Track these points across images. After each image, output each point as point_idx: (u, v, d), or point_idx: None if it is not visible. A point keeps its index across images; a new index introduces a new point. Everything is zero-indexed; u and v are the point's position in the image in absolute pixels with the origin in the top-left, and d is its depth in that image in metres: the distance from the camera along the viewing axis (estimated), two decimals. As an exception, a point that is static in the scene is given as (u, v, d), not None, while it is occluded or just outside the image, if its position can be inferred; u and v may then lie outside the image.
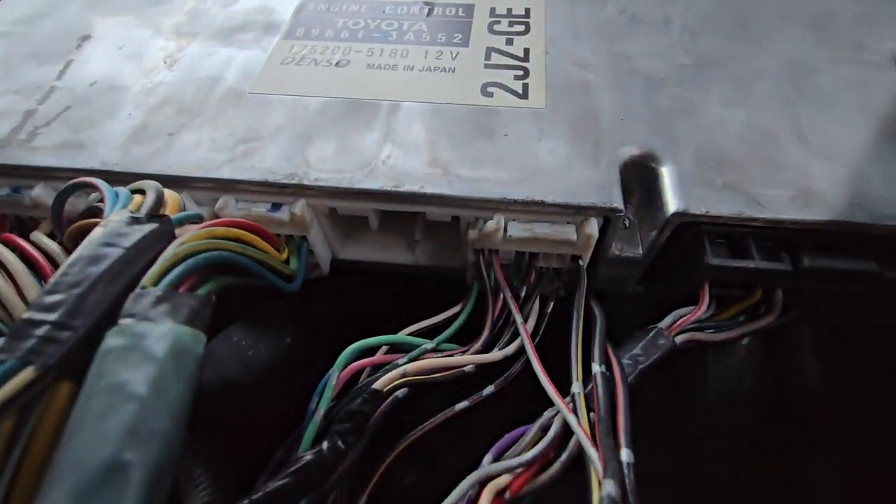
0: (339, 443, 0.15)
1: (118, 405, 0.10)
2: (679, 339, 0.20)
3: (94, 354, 0.11)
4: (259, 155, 0.22)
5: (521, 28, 0.28)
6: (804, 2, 0.29)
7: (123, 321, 0.12)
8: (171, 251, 0.13)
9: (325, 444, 0.15)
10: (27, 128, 0.24)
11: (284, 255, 0.20)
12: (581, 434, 0.15)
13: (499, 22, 0.28)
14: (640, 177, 0.22)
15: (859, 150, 0.21)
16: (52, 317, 0.12)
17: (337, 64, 0.26)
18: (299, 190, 0.21)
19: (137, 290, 0.12)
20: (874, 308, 0.21)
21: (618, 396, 0.16)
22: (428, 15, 0.29)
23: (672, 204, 0.20)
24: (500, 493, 0.15)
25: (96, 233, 0.14)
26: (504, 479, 0.15)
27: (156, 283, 0.13)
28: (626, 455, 0.15)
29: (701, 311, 0.20)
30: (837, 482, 0.30)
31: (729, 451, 0.37)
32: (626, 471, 0.14)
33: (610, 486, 0.13)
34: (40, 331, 0.12)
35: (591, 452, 0.14)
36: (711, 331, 0.21)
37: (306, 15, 0.29)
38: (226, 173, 0.21)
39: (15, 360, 0.11)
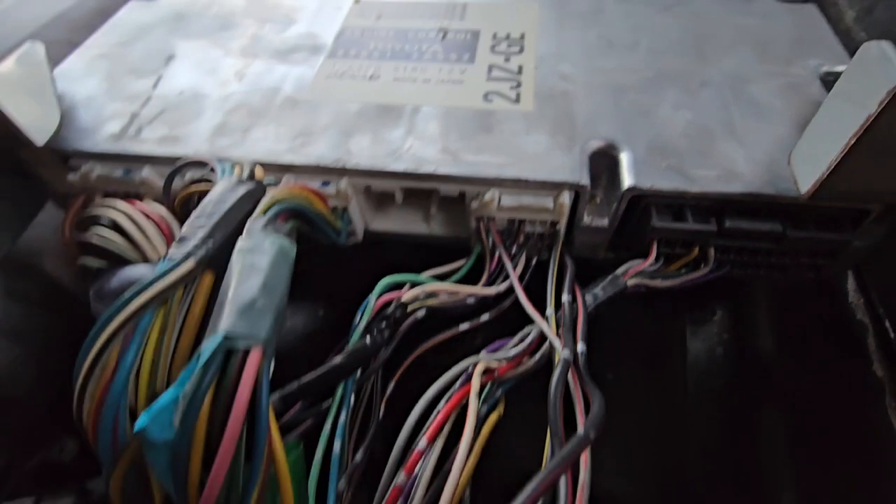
0: (378, 337, 0.21)
1: (252, 275, 0.16)
2: (630, 282, 0.26)
3: (225, 257, 0.18)
4: (312, 146, 0.29)
5: (517, 49, 0.35)
6: (753, 29, 0.35)
7: (248, 232, 0.18)
8: (269, 198, 0.20)
9: (367, 338, 0.21)
10: (134, 126, 0.31)
11: (335, 218, 0.27)
12: (549, 332, 0.21)
13: (499, 44, 0.35)
14: (605, 163, 0.28)
15: (774, 142, 0.27)
16: (200, 233, 0.19)
17: (370, 78, 0.33)
18: (342, 171, 0.28)
19: (253, 218, 0.19)
20: (786, 262, 0.27)
21: (578, 315, 0.23)
22: (442, 39, 0.36)
23: (626, 181, 0.26)
24: (489, 372, 0.21)
25: (219, 186, 0.21)
26: (494, 364, 0.21)
27: (264, 214, 0.19)
28: (581, 346, 0.21)
29: (648, 262, 0.26)
30: (783, 430, 0.35)
31: (704, 411, 0.42)
32: (580, 354, 0.20)
33: (566, 353, 0.19)
34: (193, 241, 0.18)
35: (555, 341, 0.20)
36: (659, 279, 0.27)
37: (345, 39, 0.36)
38: (287, 159, 0.28)
39: (181, 256, 0.18)
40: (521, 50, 0.34)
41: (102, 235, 0.24)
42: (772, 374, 0.39)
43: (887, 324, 0.29)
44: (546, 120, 0.30)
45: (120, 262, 0.24)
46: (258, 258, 0.17)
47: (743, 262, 0.27)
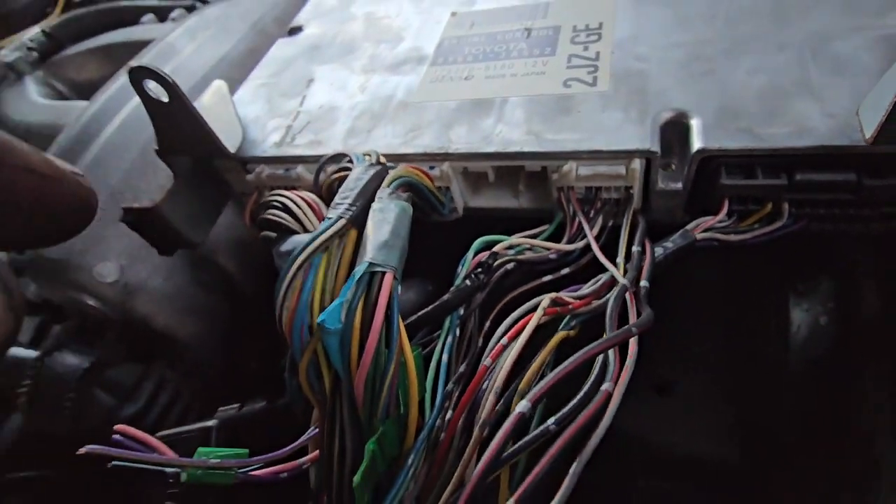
0: (476, 280, 0.27)
1: (384, 225, 0.23)
2: (700, 236, 0.29)
3: (364, 218, 0.25)
4: (420, 138, 0.36)
5: (595, 38, 0.38)
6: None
7: (378, 199, 0.25)
8: (391, 175, 0.27)
9: (468, 281, 0.27)
10: (289, 135, 0.41)
11: (440, 193, 0.34)
12: (615, 271, 0.25)
13: (578, 35, 0.39)
14: (677, 131, 0.31)
15: (853, 96, 0.28)
16: (346, 202, 0.26)
17: (465, 78, 0.39)
18: (445, 156, 0.34)
19: (381, 188, 0.26)
20: (866, 213, 0.27)
21: (645, 260, 0.26)
22: (527, 37, 0.41)
23: (696, 144, 0.29)
24: (564, 305, 0.25)
25: (356, 170, 0.28)
26: (568, 298, 0.26)
27: (389, 186, 0.26)
28: (643, 282, 0.25)
29: (719, 217, 0.29)
30: (884, 385, 0.34)
31: (803, 380, 0.42)
32: (641, 287, 0.24)
33: (624, 280, 0.24)
34: (342, 207, 0.26)
35: (617, 274, 0.25)
36: (731, 234, 0.29)
37: (444, 49, 0.43)
38: (402, 150, 0.36)
39: (336, 216, 0.25)
40: (599, 38, 0.38)
41: (275, 214, 0.33)
42: (874, 335, 0.37)
43: None
44: (620, 97, 0.33)
45: (289, 232, 0.32)
46: (388, 214, 0.24)
47: (820, 215, 0.28)
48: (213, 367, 0.54)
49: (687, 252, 0.28)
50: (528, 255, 0.30)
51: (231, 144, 0.39)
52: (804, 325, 0.43)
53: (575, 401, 0.21)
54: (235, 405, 0.34)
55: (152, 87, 0.34)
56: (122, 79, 0.65)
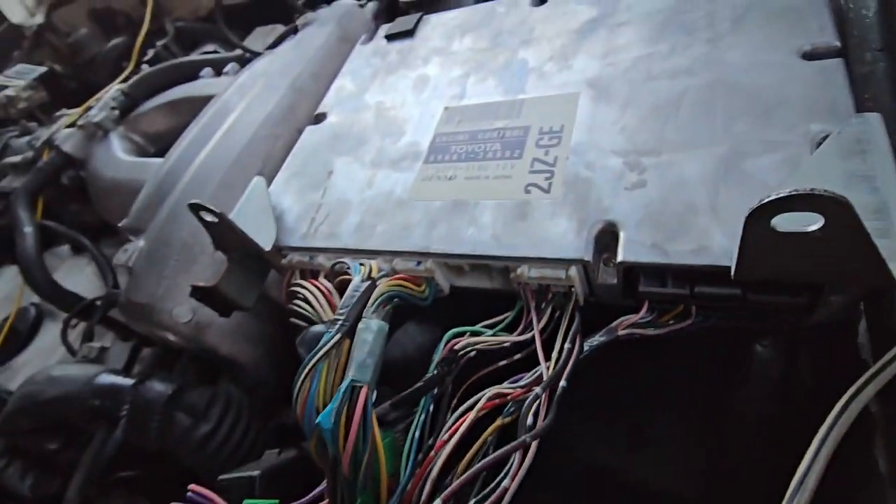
0: (444, 369, 0.36)
1: (364, 346, 0.33)
2: (623, 332, 0.36)
3: (354, 330, 0.35)
4: (410, 237, 0.45)
5: (556, 141, 0.45)
6: (768, 90, 0.39)
7: (364, 319, 0.35)
8: (378, 291, 0.36)
9: (436, 370, 0.36)
10: (313, 227, 0.51)
11: (423, 287, 0.43)
12: (543, 370, 0.33)
13: (542, 138, 0.46)
14: (608, 238, 0.38)
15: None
16: (342, 317, 0.36)
17: (449, 178, 0.47)
18: (427, 255, 0.43)
19: (368, 305, 0.35)
20: (762, 315, 0.33)
21: (571, 358, 0.34)
22: (501, 137, 0.48)
23: (620, 255, 0.36)
24: (503, 396, 0.34)
25: (353, 283, 0.38)
26: (507, 391, 0.34)
27: (374, 304, 0.35)
28: (563, 383, 0.32)
29: (639, 316, 0.36)
30: None
31: (762, 433, 0.47)
32: (560, 386, 0.32)
33: (542, 383, 0.32)
34: (339, 322, 0.36)
35: (545, 373, 0.32)
36: (650, 329, 0.36)
37: (435, 146, 0.51)
38: (395, 247, 0.45)
39: (335, 331, 0.35)
40: (559, 142, 0.45)
41: (298, 304, 0.44)
42: (810, 402, 0.42)
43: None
44: (567, 205, 0.40)
45: (308, 321, 0.43)
46: (367, 335, 0.33)
47: (724, 316, 0.35)
48: (269, 384, 0.67)
49: (612, 345, 0.36)
50: (488, 344, 0.38)
51: (267, 241, 0.50)
52: (763, 379, 0.48)
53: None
54: (276, 450, 0.45)
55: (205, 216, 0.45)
56: (189, 136, 0.79)
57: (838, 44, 0.39)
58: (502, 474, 0.30)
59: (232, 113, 0.79)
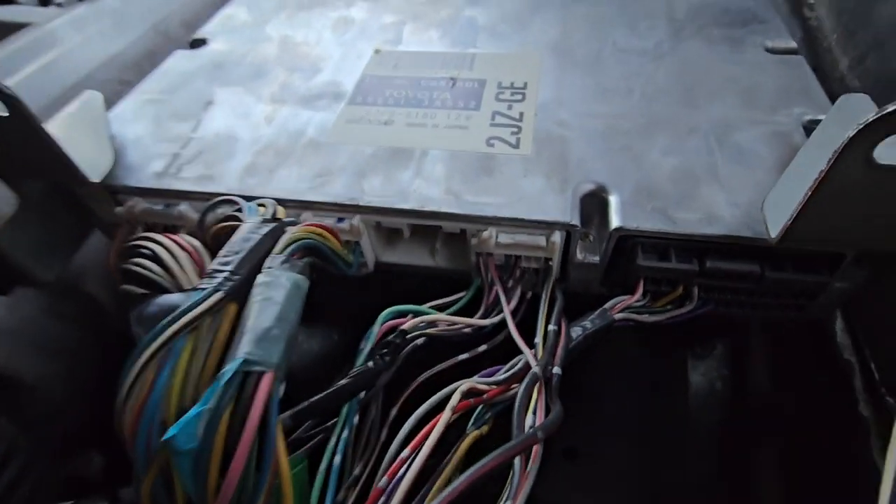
0: (380, 361, 0.24)
1: (269, 307, 0.19)
2: (618, 316, 0.28)
3: (248, 289, 0.21)
4: (330, 185, 0.32)
5: (520, 97, 0.38)
6: (740, 77, 0.37)
7: (266, 270, 0.21)
8: (288, 237, 0.23)
9: (370, 362, 0.24)
10: (175, 165, 0.35)
11: (347, 252, 0.30)
12: (530, 357, 0.23)
13: (503, 92, 0.38)
14: (596, 204, 0.31)
15: (755, 186, 0.29)
16: (227, 269, 0.22)
17: (385, 123, 0.36)
18: (356, 208, 0.31)
19: (272, 256, 0.22)
20: (767, 302, 0.29)
21: (560, 342, 0.25)
22: (452, 87, 0.39)
23: (614, 221, 0.29)
24: (476, 395, 0.23)
25: (245, 227, 0.24)
26: (482, 387, 0.23)
27: (282, 253, 0.22)
28: (556, 370, 0.23)
29: (635, 298, 0.28)
30: (776, 469, 0.36)
31: (702, 444, 0.43)
32: (554, 374, 0.22)
33: (537, 369, 0.22)
34: (221, 275, 0.22)
35: (531, 360, 0.22)
36: (646, 315, 0.29)
37: (364, 87, 0.40)
38: (308, 197, 0.32)
39: (211, 288, 0.21)
40: (524, 98, 0.37)
41: (143, 265, 0.28)
42: (767, 411, 0.39)
43: (872, 366, 0.30)
44: (542, 163, 0.32)
45: (158, 289, 0.27)
46: (275, 292, 0.20)
47: (726, 300, 0.29)
48: (71, 416, 0.45)
49: (605, 332, 0.27)
50: (442, 327, 0.27)
51: (95, 170, 0.33)
52: (701, 390, 0.45)
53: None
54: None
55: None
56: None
57: (794, 44, 0.39)
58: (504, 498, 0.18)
59: (59, 45, 0.58)
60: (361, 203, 0.31)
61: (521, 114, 0.36)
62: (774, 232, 0.24)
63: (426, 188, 0.31)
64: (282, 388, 0.19)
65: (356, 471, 0.23)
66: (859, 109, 0.28)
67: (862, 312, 0.31)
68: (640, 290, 0.29)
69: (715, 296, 0.29)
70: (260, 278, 0.21)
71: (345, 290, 0.36)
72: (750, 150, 0.32)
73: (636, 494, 0.42)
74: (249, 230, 0.23)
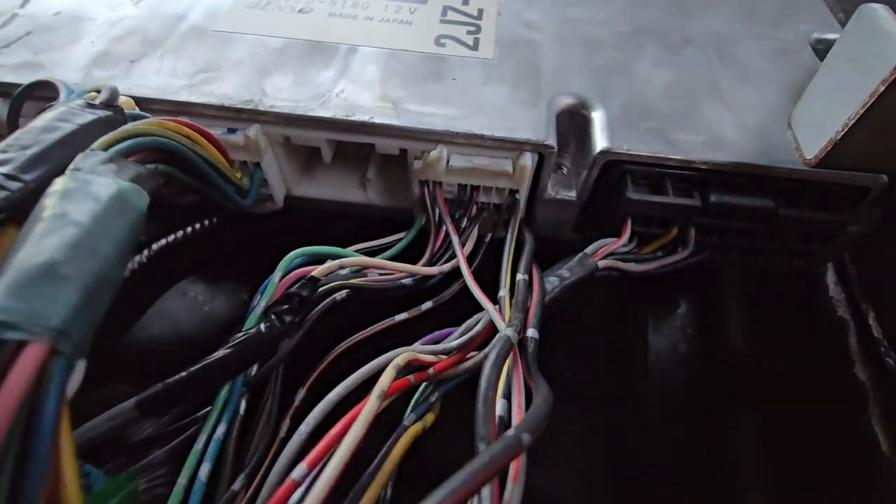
0: (276, 322, 0.16)
1: (59, 228, 0.11)
2: (601, 263, 0.22)
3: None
4: (217, 83, 0.23)
5: (478, -8, 0.29)
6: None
7: (70, 173, 0.13)
8: (123, 127, 0.14)
9: (262, 324, 0.16)
10: (-13, 47, 0.24)
11: (238, 174, 0.21)
12: (495, 316, 0.16)
13: (457, -15, 0.30)
14: (574, 126, 0.24)
15: (766, 108, 0.24)
16: (3, 170, 0.13)
17: (300, 11, 0.27)
18: (254, 115, 0.22)
19: (86, 153, 0.13)
20: (773, 247, 0.24)
21: (533, 295, 0.18)
22: (391, -25, 0.30)
23: (600, 143, 0.22)
24: (418, 369, 0.16)
25: (50, 112, 0.15)
26: (428, 358, 0.16)
27: (105, 149, 0.14)
28: (531, 332, 0.16)
29: (622, 241, 0.22)
30: (754, 436, 0.33)
31: (667, 412, 0.39)
32: (529, 338, 0.16)
33: (509, 332, 0.15)
34: (-8, 178, 0.13)
35: (498, 321, 0.16)
36: (632, 262, 0.23)
37: (273, -33, 0.30)
38: (183, 96, 0.22)
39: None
40: (483, -7, 0.29)
41: None
42: (741, 374, 0.36)
43: (871, 321, 0.26)
44: (508, 70, 0.25)
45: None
46: (75, 206, 0.11)
47: (726, 245, 0.24)
48: None
49: (584, 284, 0.21)
50: (371, 279, 0.20)
51: None
52: (663, 352, 0.41)
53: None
54: None
55: None
56: None
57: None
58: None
59: None
60: (261, 107, 0.22)
61: (481, 10, 0.28)
62: (812, 152, 0.18)
63: (354, 93, 0.23)
64: (79, 370, 0.10)
65: (235, 485, 0.15)
66: (883, 20, 0.23)
67: (858, 262, 0.27)
68: (628, 232, 0.23)
69: (714, 239, 0.24)
70: (55, 184, 0.12)
71: (264, 231, 0.28)
72: (755, 67, 0.26)
73: (595, 466, 0.38)
74: (56, 116, 0.14)
